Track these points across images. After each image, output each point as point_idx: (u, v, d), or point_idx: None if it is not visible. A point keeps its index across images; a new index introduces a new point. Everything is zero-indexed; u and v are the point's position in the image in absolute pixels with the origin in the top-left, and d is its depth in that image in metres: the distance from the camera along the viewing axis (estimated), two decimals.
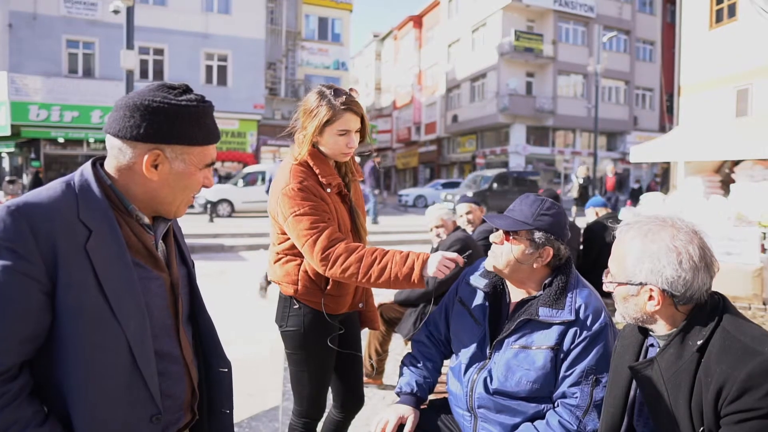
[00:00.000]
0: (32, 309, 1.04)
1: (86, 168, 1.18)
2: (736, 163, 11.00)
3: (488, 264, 1.86)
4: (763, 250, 7.73)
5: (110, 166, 1.19)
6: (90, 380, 1.09)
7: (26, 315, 1.03)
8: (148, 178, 1.17)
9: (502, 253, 1.79)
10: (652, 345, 1.45)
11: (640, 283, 1.34)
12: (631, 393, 1.48)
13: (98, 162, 1.21)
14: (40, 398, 1.09)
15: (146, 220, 1.24)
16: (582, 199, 15.13)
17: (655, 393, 1.34)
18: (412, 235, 12.79)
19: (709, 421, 1.23)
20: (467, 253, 1.96)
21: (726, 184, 11.54)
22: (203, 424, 1.39)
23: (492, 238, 1.84)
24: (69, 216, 1.09)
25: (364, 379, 3.62)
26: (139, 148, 1.15)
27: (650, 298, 1.33)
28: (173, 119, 1.14)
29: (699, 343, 1.28)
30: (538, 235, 1.75)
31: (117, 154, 1.17)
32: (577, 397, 1.67)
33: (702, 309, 1.33)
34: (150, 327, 1.18)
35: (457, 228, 3.94)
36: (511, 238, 1.78)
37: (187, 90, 1.20)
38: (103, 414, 1.11)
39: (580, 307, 1.72)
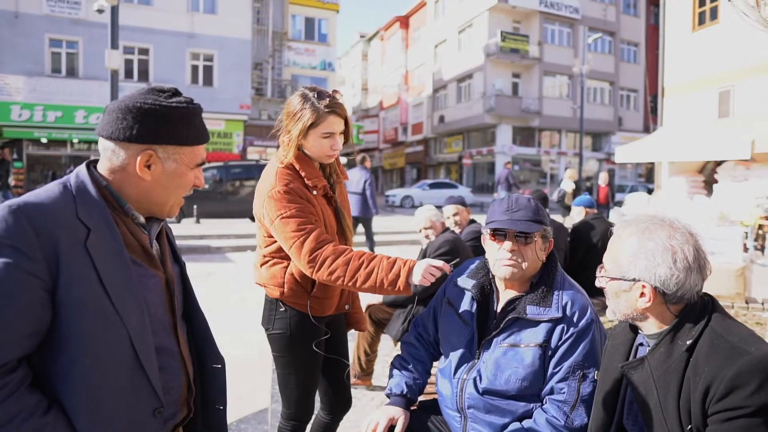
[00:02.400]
0: (34, 306, 1.06)
1: (81, 170, 1.21)
2: (719, 163, 11.16)
3: (507, 274, 1.78)
4: (746, 249, 7.86)
5: (104, 168, 1.22)
6: (93, 375, 1.11)
7: (28, 312, 1.05)
8: (141, 178, 1.21)
9: (527, 257, 1.78)
10: (641, 344, 1.47)
11: (633, 279, 1.36)
12: (621, 391, 1.49)
13: (91, 164, 1.25)
14: (41, 392, 1.10)
15: (142, 219, 1.27)
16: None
17: (645, 392, 1.35)
18: (400, 235, 12.73)
19: (697, 420, 1.24)
20: (454, 261, 1.96)
21: (709, 184, 11.70)
22: (197, 420, 1.41)
23: (508, 246, 1.78)
24: (68, 215, 1.12)
25: (353, 380, 3.63)
26: (132, 149, 1.19)
27: (642, 294, 1.35)
28: (164, 120, 1.19)
29: (688, 342, 1.30)
30: (548, 229, 1.84)
31: (110, 155, 1.21)
32: (564, 393, 1.69)
33: (692, 309, 1.35)
34: (149, 323, 1.20)
35: (446, 229, 3.94)
36: (532, 239, 1.79)
37: (176, 93, 1.25)
38: (107, 409, 1.13)
39: (566, 304, 1.74)
